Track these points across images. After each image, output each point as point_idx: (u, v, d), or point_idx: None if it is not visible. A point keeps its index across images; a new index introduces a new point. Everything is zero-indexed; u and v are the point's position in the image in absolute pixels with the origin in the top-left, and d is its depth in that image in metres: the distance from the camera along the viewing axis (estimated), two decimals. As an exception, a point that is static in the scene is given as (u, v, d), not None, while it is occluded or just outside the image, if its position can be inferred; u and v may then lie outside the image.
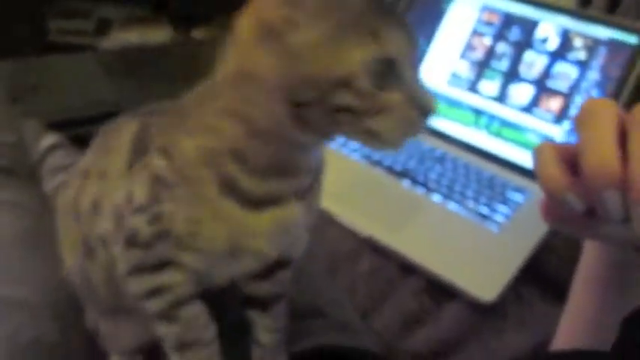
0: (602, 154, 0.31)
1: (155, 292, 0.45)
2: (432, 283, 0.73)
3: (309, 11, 0.36)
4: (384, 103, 0.37)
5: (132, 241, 0.44)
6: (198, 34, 2.05)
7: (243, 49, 0.39)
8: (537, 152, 0.35)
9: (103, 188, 0.48)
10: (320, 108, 0.37)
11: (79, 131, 1.06)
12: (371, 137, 0.38)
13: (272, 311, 0.51)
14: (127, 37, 2.03)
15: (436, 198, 0.84)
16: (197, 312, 0.46)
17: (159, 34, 2.04)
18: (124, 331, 0.54)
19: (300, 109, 0.37)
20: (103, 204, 0.47)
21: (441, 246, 0.78)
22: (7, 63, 1.31)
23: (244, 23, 0.39)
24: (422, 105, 0.37)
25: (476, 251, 0.77)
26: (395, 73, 0.37)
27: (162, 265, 0.44)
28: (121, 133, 0.48)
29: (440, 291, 0.73)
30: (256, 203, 0.42)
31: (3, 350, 0.54)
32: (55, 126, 1.00)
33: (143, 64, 1.51)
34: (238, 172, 0.41)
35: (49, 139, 0.92)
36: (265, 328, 0.51)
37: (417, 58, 0.38)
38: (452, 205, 0.83)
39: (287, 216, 0.43)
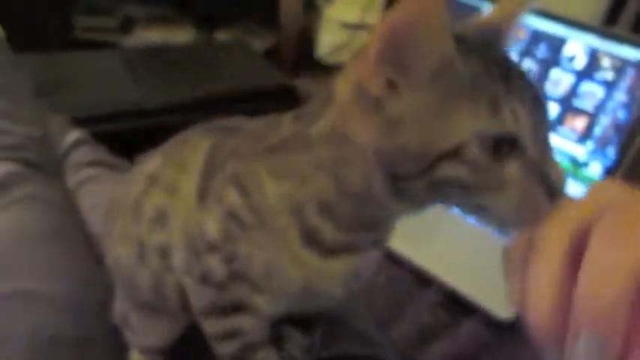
0: (538, 310, 0.28)
1: (229, 335, 0.44)
2: (449, 297, 0.73)
3: (414, 76, 0.32)
4: (500, 177, 0.32)
5: (206, 280, 0.43)
6: (220, 35, 2.07)
7: (340, 110, 0.36)
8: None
9: (172, 204, 0.46)
10: (422, 181, 0.33)
11: (100, 128, 1.07)
12: (486, 214, 0.34)
13: (311, 330, 0.51)
14: (150, 35, 2.04)
15: (455, 210, 0.84)
16: (269, 357, 0.45)
17: (182, 34, 2.05)
18: (156, 327, 0.54)
19: (398, 182, 0.34)
20: (169, 219, 0.46)
21: (459, 260, 0.78)
22: (33, 58, 1.33)
23: (342, 84, 0.36)
24: (547, 181, 0.32)
25: (494, 267, 0.76)
26: (516, 145, 0.32)
27: (235, 308, 0.43)
28: (195, 150, 0.46)
29: (457, 305, 0.72)
30: (335, 252, 0.40)
31: (24, 345, 0.54)
32: (76, 122, 1.01)
33: (165, 64, 1.52)
34: (322, 224, 0.39)
35: (74, 134, 0.93)
36: (299, 345, 0.51)
37: (546, 128, 0.33)
38: (471, 218, 0.83)
39: (362, 262, 0.42)
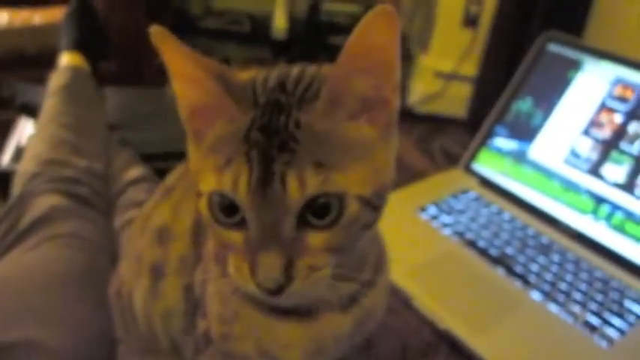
0: None
1: None
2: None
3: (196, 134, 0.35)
4: (225, 239, 0.33)
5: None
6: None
7: None
8: None
9: (173, 228, 0.46)
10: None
11: (168, 165, 1.06)
12: None
13: None
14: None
15: (535, 295, 0.71)
16: None
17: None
18: None
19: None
20: (168, 240, 0.46)
21: (536, 352, 0.65)
22: (129, 92, 1.37)
23: None
24: (253, 270, 0.31)
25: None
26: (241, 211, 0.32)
27: None
28: None
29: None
30: (276, 309, 0.38)
31: None
32: (146, 157, 1.00)
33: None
34: None
35: (135, 171, 0.91)
36: None
37: (279, 218, 0.31)
38: (553, 308, 0.70)
39: (324, 332, 0.39)
